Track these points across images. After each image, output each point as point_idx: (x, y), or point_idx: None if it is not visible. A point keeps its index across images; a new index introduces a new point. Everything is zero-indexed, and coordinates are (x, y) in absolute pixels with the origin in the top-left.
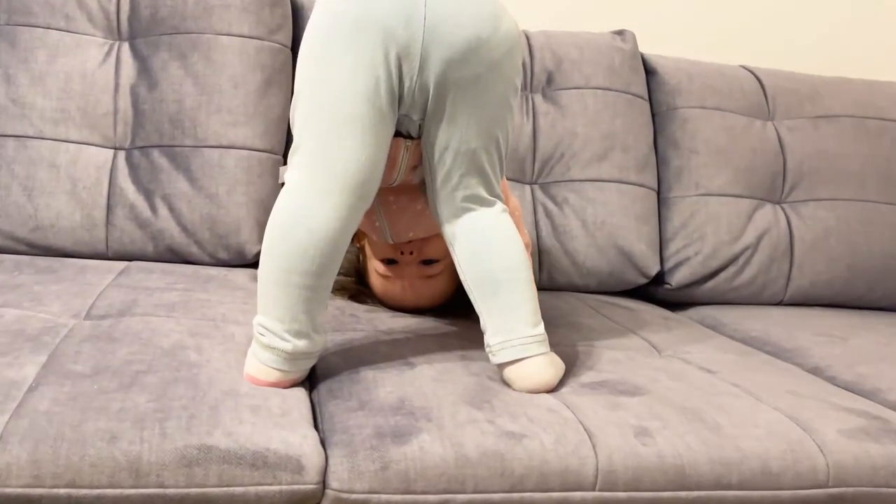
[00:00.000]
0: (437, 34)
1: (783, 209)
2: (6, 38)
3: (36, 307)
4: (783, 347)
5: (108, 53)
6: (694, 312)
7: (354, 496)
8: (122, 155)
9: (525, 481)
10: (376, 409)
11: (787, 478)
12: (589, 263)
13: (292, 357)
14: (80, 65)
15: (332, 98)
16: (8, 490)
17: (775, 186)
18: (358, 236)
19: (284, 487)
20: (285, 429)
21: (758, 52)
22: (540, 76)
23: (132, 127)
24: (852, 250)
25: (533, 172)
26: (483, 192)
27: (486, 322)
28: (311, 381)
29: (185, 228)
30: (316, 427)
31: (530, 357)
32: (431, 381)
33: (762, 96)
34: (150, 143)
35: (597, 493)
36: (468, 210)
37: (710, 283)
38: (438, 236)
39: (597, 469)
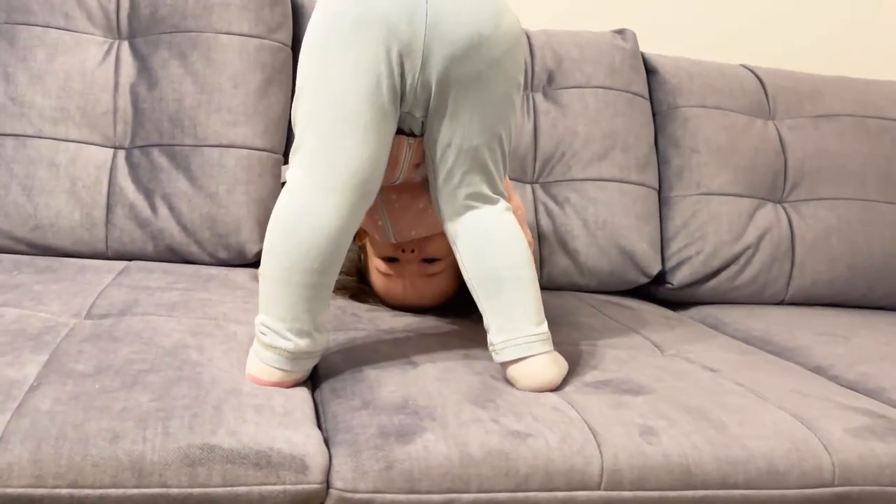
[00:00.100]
0: (439, 31)
1: (784, 208)
2: (5, 37)
3: (36, 307)
4: (785, 347)
5: (107, 52)
6: (695, 312)
7: (358, 496)
8: (121, 154)
9: (530, 481)
10: (380, 409)
11: (792, 477)
12: (590, 263)
13: (294, 356)
14: (80, 63)
15: (333, 97)
16: (10, 490)
17: (776, 186)
18: (359, 235)
19: (288, 487)
20: (289, 428)
21: (758, 52)
22: (540, 75)
23: (132, 126)
24: (853, 250)
25: (534, 172)
26: (486, 190)
27: (489, 321)
28: (313, 380)
29: (185, 228)
30: (319, 426)
31: (534, 356)
32: (435, 380)
33: (763, 95)
34: (149, 142)
35: (602, 493)
36: (471, 208)
37: (712, 283)
38: (440, 235)
39: (602, 468)
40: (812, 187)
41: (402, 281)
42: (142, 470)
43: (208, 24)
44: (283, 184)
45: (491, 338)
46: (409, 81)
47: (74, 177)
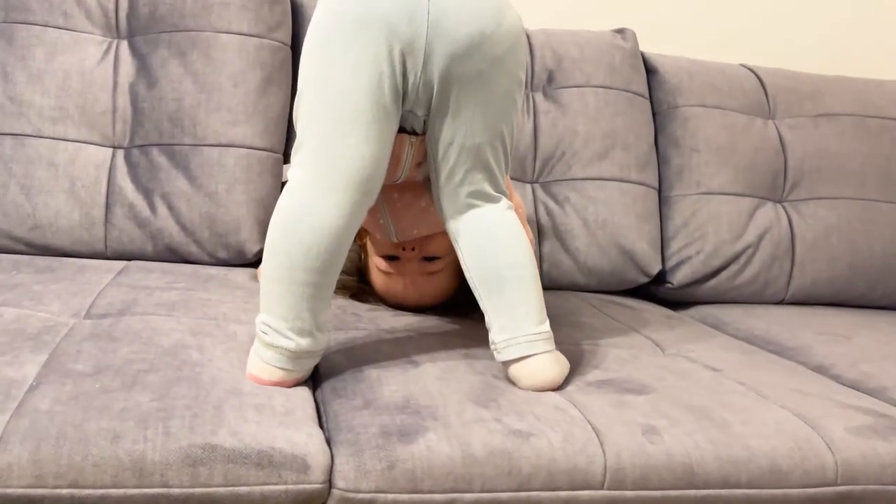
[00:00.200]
0: (441, 29)
1: (784, 208)
2: (3, 36)
3: (35, 306)
4: (786, 346)
5: (106, 51)
6: (695, 311)
7: (361, 496)
8: (120, 153)
9: (533, 480)
10: (381, 408)
11: (795, 476)
12: (590, 262)
13: (296, 356)
14: (79, 63)
15: (334, 96)
16: (9, 491)
17: (776, 185)
18: (359, 234)
19: (290, 487)
20: (290, 428)
21: (758, 52)
22: (540, 75)
23: (131, 125)
24: (853, 249)
25: (534, 171)
26: (488, 188)
27: (490, 319)
28: (314, 380)
29: (184, 227)
30: (320, 426)
31: (536, 354)
32: (436, 379)
33: (763, 95)
34: (149, 141)
35: (605, 492)
36: (473, 206)
37: (712, 282)
38: (440, 233)
39: (605, 468)
40: (812, 187)
41: (402, 279)
42: (143, 470)
43: (207, 23)
44: (284, 183)
45: (493, 337)
46: (410, 80)
47: (73, 176)
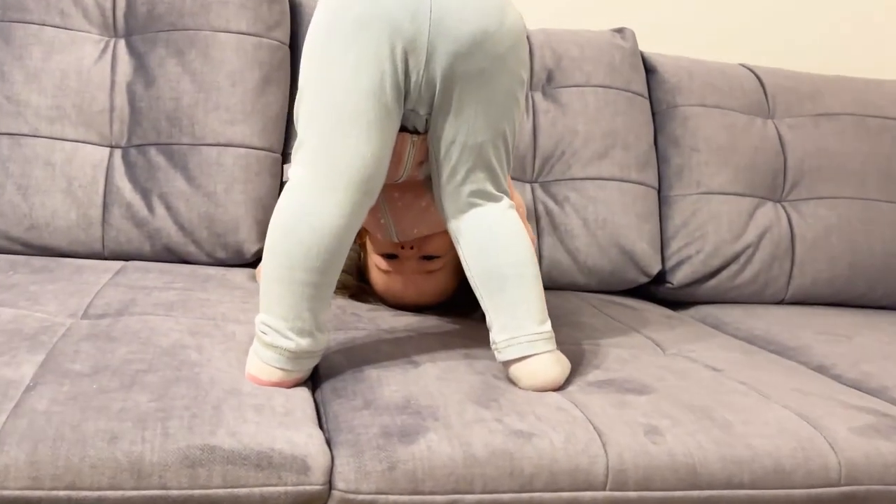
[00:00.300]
0: (443, 28)
1: (784, 207)
2: (0, 35)
3: (32, 306)
4: (787, 346)
5: (103, 50)
6: (695, 311)
7: (361, 497)
8: (118, 153)
9: (535, 481)
10: (382, 409)
11: (798, 476)
12: (590, 262)
13: (296, 356)
14: (76, 62)
15: (335, 95)
16: (6, 492)
17: (776, 185)
18: (359, 234)
19: (290, 488)
20: (290, 428)
21: (758, 52)
22: (540, 74)
23: (129, 125)
24: (853, 249)
25: (533, 171)
26: (490, 187)
27: (491, 319)
28: (314, 380)
29: (182, 227)
30: (320, 427)
31: (537, 354)
32: (436, 379)
33: (762, 94)
34: (146, 141)
35: (607, 493)
36: (474, 205)
37: (712, 282)
38: (440, 232)
39: (607, 468)
40: (812, 186)
41: (401, 278)
42: (141, 471)
43: (206, 21)
44: (284, 182)
45: (493, 336)
46: (413, 78)
47: (71, 176)
